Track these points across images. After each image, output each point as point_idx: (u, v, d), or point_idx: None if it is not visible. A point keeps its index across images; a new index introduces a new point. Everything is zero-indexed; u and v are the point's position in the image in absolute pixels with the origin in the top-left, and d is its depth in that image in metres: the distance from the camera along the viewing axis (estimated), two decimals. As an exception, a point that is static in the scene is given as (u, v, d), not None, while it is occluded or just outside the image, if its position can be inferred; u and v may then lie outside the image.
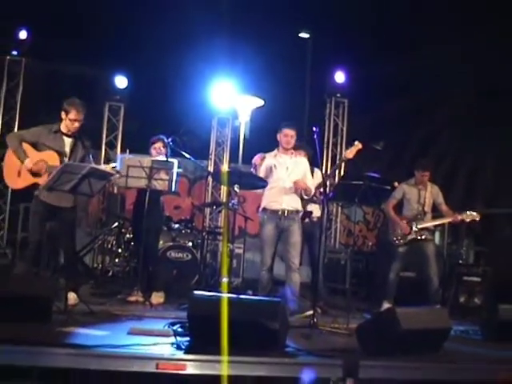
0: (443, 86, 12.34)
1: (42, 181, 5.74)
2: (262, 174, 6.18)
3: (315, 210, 6.87)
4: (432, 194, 7.29)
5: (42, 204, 5.86)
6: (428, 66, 12.36)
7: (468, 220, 7.15)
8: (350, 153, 6.49)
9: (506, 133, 11.94)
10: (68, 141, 5.96)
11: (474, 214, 7.13)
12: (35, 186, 5.83)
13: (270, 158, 6.28)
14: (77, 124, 5.93)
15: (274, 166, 6.22)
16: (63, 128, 5.93)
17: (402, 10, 12.46)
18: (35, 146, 5.86)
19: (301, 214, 6.35)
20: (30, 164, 5.76)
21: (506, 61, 11.95)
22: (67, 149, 5.95)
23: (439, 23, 12.15)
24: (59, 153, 5.89)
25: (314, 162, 6.73)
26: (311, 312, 5.78)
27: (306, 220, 6.70)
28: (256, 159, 6.37)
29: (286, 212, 6.14)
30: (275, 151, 6.33)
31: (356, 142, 6.57)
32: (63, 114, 5.92)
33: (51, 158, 5.82)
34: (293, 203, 6.20)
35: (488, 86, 12.21)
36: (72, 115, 5.88)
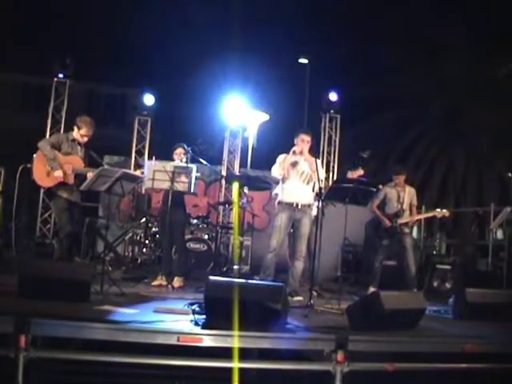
0: (420, 103, 12.33)
1: (67, 180, 5.82)
2: (284, 170, 5.97)
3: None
4: (409, 194, 7.23)
5: (65, 201, 5.90)
6: (407, 88, 12.36)
7: (439, 216, 7.16)
8: (352, 175, 6.47)
9: (473, 142, 11.92)
10: (79, 148, 6.03)
11: (444, 211, 7.14)
12: (60, 184, 5.84)
13: (290, 158, 6.02)
14: (86, 138, 6.02)
15: (292, 165, 6.04)
16: (75, 137, 5.99)
17: (385, 41, 12.50)
18: (59, 149, 5.90)
19: (313, 208, 6.17)
20: (61, 174, 5.78)
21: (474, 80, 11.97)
22: (81, 154, 6.03)
23: (415, 51, 12.19)
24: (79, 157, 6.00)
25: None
26: (300, 298, 5.79)
27: None
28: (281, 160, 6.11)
29: (299, 205, 6.01)
30: (291, 153, 5.98)
31: (359, 168, 6.53)
32: (76, 128, 5.98)
33: (76, 162, 5.92)
34: (305, 198, 6.07)
35: (458, 104, 12.20)
36: (83, 131, 5.97)
